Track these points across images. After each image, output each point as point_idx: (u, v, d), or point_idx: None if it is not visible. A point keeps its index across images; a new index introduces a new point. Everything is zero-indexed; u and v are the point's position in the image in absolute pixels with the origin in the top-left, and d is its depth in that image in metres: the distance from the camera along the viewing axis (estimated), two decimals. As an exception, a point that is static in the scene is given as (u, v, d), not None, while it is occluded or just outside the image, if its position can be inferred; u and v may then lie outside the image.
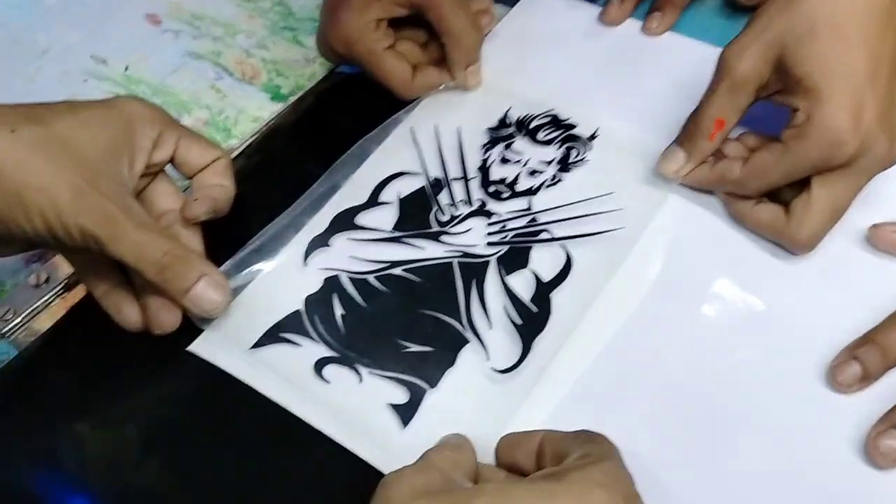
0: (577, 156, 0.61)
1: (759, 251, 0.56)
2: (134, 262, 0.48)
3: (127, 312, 0.52)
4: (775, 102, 0.54)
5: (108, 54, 0.72)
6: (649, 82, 0.66)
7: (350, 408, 0.50)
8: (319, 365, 0.52)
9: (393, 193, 0.60)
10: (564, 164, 0.61)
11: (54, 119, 0.48)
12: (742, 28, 0.55)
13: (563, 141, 0.62)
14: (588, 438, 0.43)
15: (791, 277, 0.55)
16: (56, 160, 0.47)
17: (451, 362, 0.52)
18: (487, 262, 0.56)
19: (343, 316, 0.54)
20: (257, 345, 0.52)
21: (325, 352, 0.52)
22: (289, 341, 0.53)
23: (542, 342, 0.52)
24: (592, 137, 0.62)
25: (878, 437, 0.47)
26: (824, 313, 0.53)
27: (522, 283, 0.55)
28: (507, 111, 0.65)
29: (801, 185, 0.54)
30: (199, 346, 0.52)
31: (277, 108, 0.69)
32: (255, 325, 0.53)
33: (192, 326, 0.53)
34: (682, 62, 0.67)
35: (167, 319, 0.51)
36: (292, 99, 0.69)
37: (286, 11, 0.76)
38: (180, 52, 0.73)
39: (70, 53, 0.72)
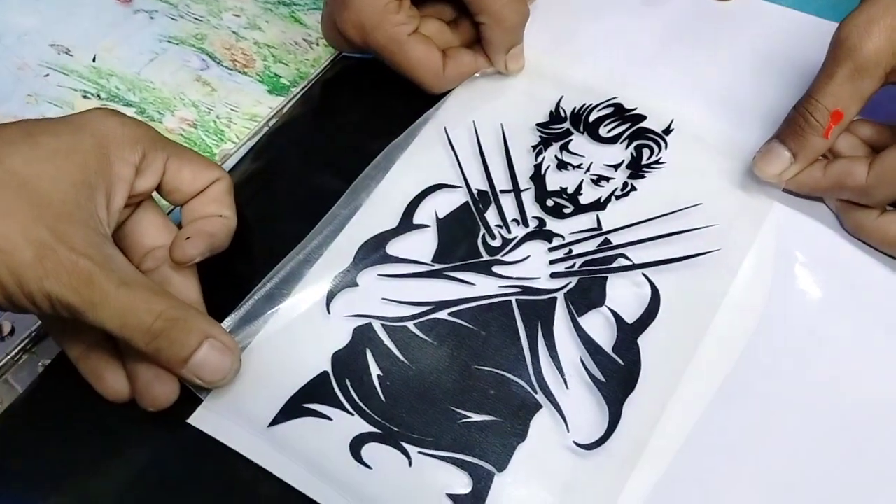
0: (650, 156, 0.50)
1: (890, 273, 0.46)
2: (118, 330, 0.39)
3: (110, 380, 0.43)
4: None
5: (71, 42, 0.62)
6: (728, 57, 0.55)
7: (399, 501, 0.40)
8: (357, 444, 0.41)
9: (429, 213, 0.49)
10: (636, 168, 0.50)
11: (6, 153, 0.39)
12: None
13: (632, 137, 0.51)
14: None
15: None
16: (10, 209, 0.37)
17: (522, 435, 0.41)
18: (554, 300, 0.45)
19: (380, 377, 0.43)
20: (276, 421, 0.42)
21: (362, 426, 0.42)
22: (316, 413, 0.42)
23: (633, 405, 0.42)
24: (667, 131, 0.51)
25: None
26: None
27: (601, 327, 0.44)
28: (559, 101, 0.53)
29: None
30: (201, 419, 0.43)
31: (278, 102, 0.58)
32: (272, 393, 0.43)
33: (191, 391, 0.43)
34: (766, 31, 0.56)
35: (162, 393, 0.42)
36: (295, 91, 0.58)
37: (280, -18, 0.65)
38: (156, 36, 0.63)
39: (27, 42, 0.62)
